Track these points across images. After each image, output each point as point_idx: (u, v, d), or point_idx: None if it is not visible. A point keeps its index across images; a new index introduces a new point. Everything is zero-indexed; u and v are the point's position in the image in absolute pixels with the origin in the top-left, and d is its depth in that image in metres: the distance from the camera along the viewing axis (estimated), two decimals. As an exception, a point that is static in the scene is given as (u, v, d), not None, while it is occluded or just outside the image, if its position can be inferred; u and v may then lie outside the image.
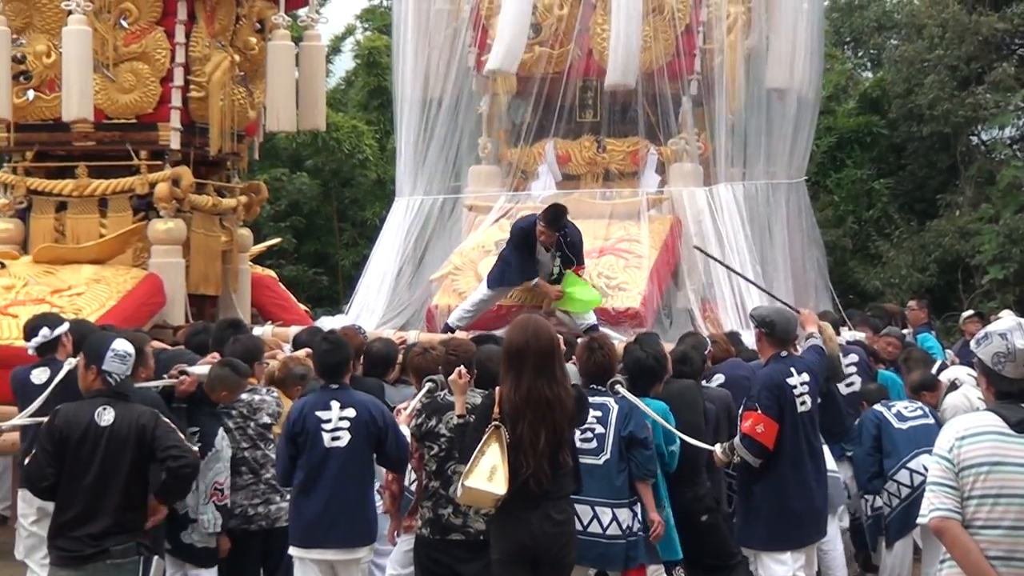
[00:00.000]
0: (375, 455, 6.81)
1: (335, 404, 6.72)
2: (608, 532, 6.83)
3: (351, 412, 6.71)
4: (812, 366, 7.41)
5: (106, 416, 6.04)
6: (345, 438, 6.66)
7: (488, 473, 5.84)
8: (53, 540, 6.14)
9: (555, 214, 10.57)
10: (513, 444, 5.83)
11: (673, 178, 12.59)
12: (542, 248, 10.67)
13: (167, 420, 6.19)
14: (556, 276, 10.73)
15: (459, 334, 9.73)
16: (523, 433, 5.82)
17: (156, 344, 8.89)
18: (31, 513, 7.60)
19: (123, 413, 6.05)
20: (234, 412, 7.24)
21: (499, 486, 5.82)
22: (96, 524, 5.97)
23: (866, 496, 9.04)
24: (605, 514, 6.84)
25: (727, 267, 11.01)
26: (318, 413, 6.70)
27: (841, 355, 9.57)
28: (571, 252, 10.68)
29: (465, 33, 13.16)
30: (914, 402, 9.08)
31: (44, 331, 7.69)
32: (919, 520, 4.58)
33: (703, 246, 11.66)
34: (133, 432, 6.01)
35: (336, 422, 6.67)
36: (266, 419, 7.35)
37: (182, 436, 6.25)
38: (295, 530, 6.77)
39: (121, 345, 6.18)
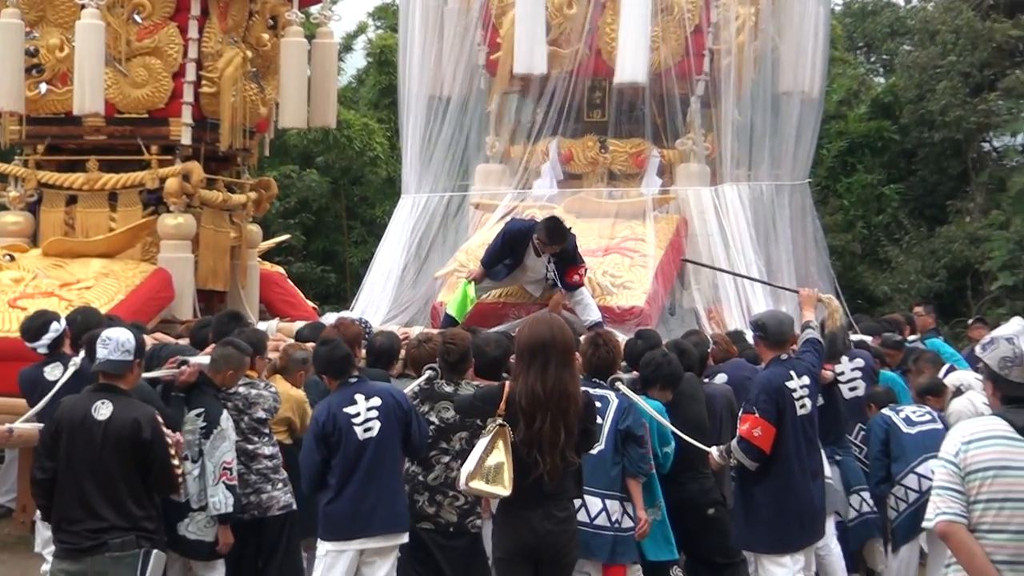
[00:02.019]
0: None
1: (359, 397, 6.74)
2: (595, 522, 6.85)
3: (377, 401, 6.73)
4: (812, 368, 7.42)
5: (104, 410, 6.02)
6: (376, 427, 6.68)
7: (493, 473, 5.83)
8: (55, 533, 6.16)
9: (553, 231, 10.48)
10: (529, 439, 5.79)
11: (679, 178, 12.60)
12: (533, 254, 10.66)
13: (162, 426, 6.10)
14: (552, 282, 10.72)
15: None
16: (544, 428, 5.78)
17: (161, 338, 8.93)
18: None
19: (121, 409, 6.03)
20: (229, 404, 7.22)
21: (502, 488, 5.83)
22: (94, 517, 5.96)
23: (851, 500, 9.03)
24: (594, 504, 6.85)
25: (718, 269, 11.05)
26: (346, 409, 6.70)
27: (847, 358, 9.62)
28: (567, 258, 10.63)
29: (474, 31, 13.16)
30: (922, 407, 9.06)
31: (55, 326, 7.74)
32: (924, 524, 4.57)
33: (708, 246, 11.69)
34: (128, 428, 5.98)
35: (365, 414, 6.69)
36: (261, 414, 7.33)
37: (172, 454, 6.14)
38: (331, 525, 6.73)
39: (112, 331, 6.18)
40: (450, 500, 7.01)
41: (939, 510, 4.44)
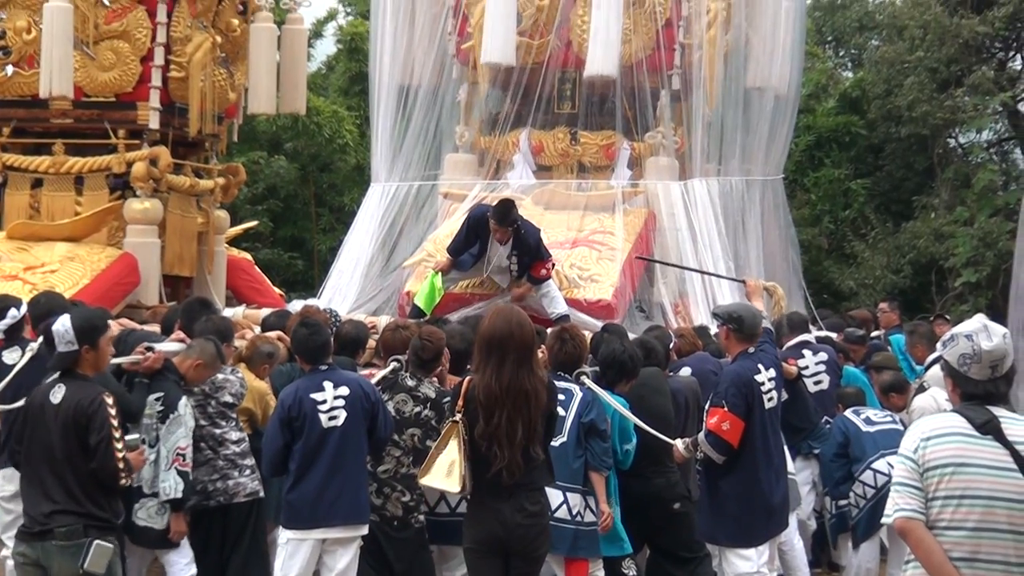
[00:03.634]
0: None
1: (328, 384, 6.76)
2: (556, 514, 6.81)
3: (344, 391, 6.75)
4: (776, 360, 7.46)
5: (58, 393, 5.99)
6: (341, 416, 6.70)
7: (446, 470, 5.82)
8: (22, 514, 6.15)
9: (502, 210, 10.55)
10: (487, 434, 5.76)
11: (649, 172, 12.61)
12: (496, 244, 10.68)
13: (109, 408, 5.98)
14: (517, 274, 10.74)
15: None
16: (500, 423, 5.74)
17: (126, 323, 8.89)
18: (10, 489, 7.56)
19: (71, 392, 5.98)
20: (195, 389, 7.19)
21: (454, 483, 5.81)
22: (47, 502, 5.91)
23: (829, 495, 9.12)
24: (555, 496, 6.81)
25: (671, 265, 11.11)
26: (312, 395, 6.72)
27: (811, 352, 9.70)
28: (528, 250, 10.66)
29: (445, 20, 13.14)
30: (884, 410, 9.14)
31: (12, 312, 7.69)
32: (883, 520, 4.59)
33: (677, 240, 11.72)
34: (73, 409, 5.92)
35: (332, 402, 6.71)
36: (228, 398, 7.31)
37: (116, 433, 6.02)
38: (292, 513, 6.75)
39: (56, 323, 6.10)
40: (397, 495, 7.06)
41: (897, 506, 4.45)
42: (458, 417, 5.84)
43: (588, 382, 7.23)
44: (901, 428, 8.78)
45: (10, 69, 10.91)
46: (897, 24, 21.34)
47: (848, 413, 9.05)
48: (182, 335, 7.57)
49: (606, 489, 7.23)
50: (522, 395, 5.77)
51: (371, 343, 8.65)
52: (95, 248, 10.69)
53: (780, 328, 9.28)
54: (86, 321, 6.17)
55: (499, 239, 10.66)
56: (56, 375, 6.10)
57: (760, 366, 7.27)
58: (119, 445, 5.97)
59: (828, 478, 9.09)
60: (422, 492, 7.07)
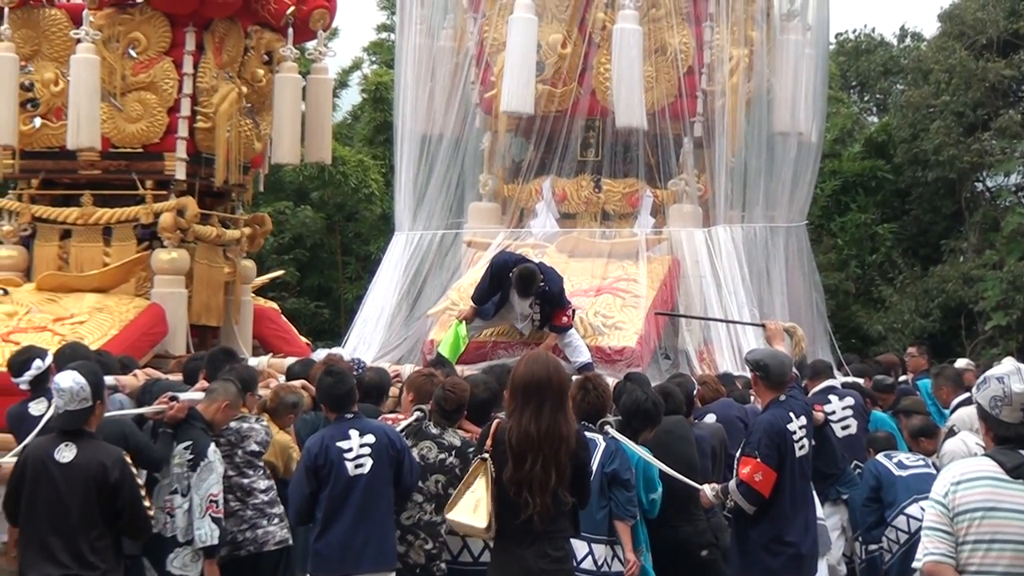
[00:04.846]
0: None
1: (354, 433, 6.77)
2: (582, 566, 6.78)
3: (371, 438, 6.76)
4: (806, 407, 7.42)
5: (67, 453, 5.96)
6: (368, 464, 6.71)
7: (472, 506, 5.80)
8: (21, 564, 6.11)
9: (525, 283, 10.51)
10: (517, 480, 5.69)
11: (672, 219, 12.60)
12: (516, 292, 10.67)
13: (132, 467, 6.02)
14: (539, 323, 10.73)
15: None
16: (534, 469, 5.66)
17: (151, 372, 8.91)
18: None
19: (87, 453, 5.95)
20: (222, 440, 7.20)
21: (481, 519, 5.77)
22: (54, 564, 5.87)
23: (859, 539, 9.05)
24: (580, 547, 6.78)
25: (690, 317, 11.07)
26: (339, 444, 6.73)
27: (837, 397, 9.66)
28: (551, 299, 10.63)
29: (468, 69, 13.20)
30: (916, 454, 9.08)
31: (37, 363, 7.69)
32: (914, 564, 4.58)
33: (700, 287, 11.70)
34: (94, 471, 5.89)
35: (358, 450, 6.72)
36: (254, 447, 7.32)
37: (142, 491, 6.08)
38: (320, 561, 6.75)
39: (62, 379, 6.09)
40: (420, 542, 7.04)
41: (927, 551, 4.44)
42: (486, 455, 5.82)
43: (612, 431, 7.20)
44: (934, 472, 8.72)
45: (38, 121, 11.03)
46: (922, 68, 21.37)
47: (880, 457, 8.99)
48: (207, 384, 7.58)
49: (635, 538, 7.19)
50: (559, 440, 5.73)
51: (393, 391, 8.65)
52: (123, 299, 10.75)
53: (802, 370, 9.23)
54: (95, 375, 6.18)
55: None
56: (57, 432, 6.05)
57: (791, 414, 7.22)
58: (147, 502, 6.05)
59: (860, 523, 9.02)
60: (444, 540, 7.06)
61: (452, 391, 7.27)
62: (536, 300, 10.63)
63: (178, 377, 8.69)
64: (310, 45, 12.85)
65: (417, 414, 7.24)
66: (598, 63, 12.77)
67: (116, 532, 5.98)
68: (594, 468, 6.97)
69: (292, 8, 11.51)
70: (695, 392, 8.91)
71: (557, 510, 5.78)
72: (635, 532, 7.24)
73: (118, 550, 6.05)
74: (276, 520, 7.30)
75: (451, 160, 13.28)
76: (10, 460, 7.03)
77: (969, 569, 4.39)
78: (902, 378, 12.42)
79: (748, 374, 8.00)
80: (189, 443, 6.99)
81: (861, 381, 11.04)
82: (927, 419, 9.66)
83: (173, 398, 7.12)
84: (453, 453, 7.12)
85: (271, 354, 11.43)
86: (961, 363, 11.00)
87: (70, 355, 7.87)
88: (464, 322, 10.79)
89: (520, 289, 10.53)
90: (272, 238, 18.78)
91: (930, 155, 19.87)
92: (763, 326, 8.25)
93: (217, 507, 6.91)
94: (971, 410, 9.59)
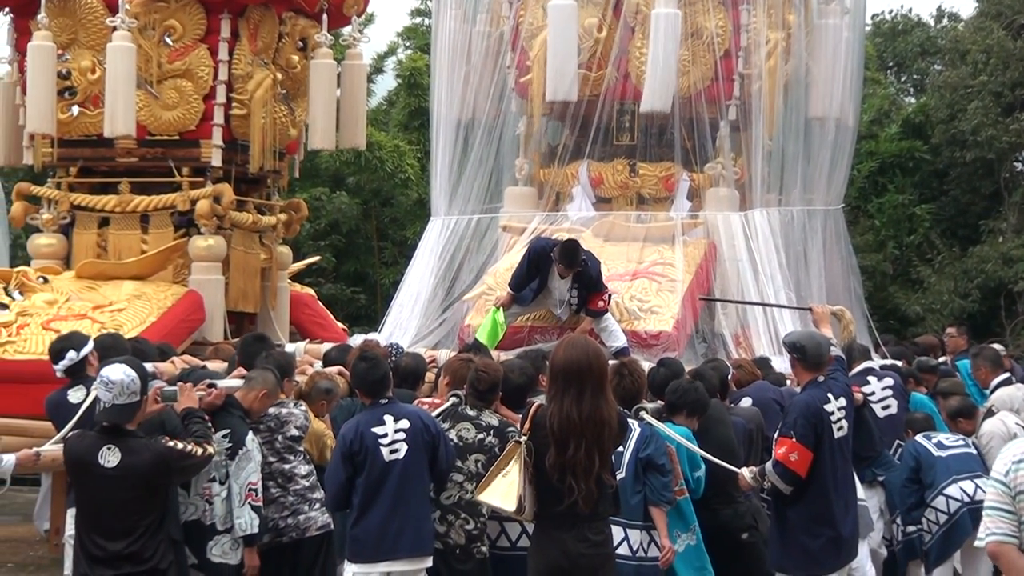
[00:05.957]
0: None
1: (388, 418, 6.78)
2: (618, 551, 6.72)
3: (405, 423, 6.77)
4: (847, 388, 7.40)
5: (111, 457, 6.05)
6: (403, 450, 6.72)
7: (504, 489, 5.82)
8: (76, 566, 6.22)
9: (569, 253, 10.49)
10: (560, 465, 5.71)
11: (709, 203, 12.52)
12: (557, 277, 10.65)
13: (170, 444, 6.19)
14: (577, 307, 10.71)
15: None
16: (578, 455, 5.69)
17: (189, 360, 8.96)
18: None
19: (132, 456, 6.05)
20: (261, 426, 7.21)
21: (511, 502, 5.79)
22: (104, 565, 5.99)
23: (897, 521, 9.02)
24: (616, 533, 6.68)
25: (734, 301, 11.03)
26: (374, 429, 6.75)
27: (876, 378, 9.62)
28: (589, 283, 10.61)
29: (504, 54, 13.18)
30: (955, 433, 9.04)
31: (71, 354, 7.70)
32: (976, 543, 4.55)
33: (737, 271, 11.66)
34: (141, 471, 6.02)
35: (393, 435, 6.74)
36: (294, 431, 7.32)
37: (189, 451, 6.25)
38: (357, 547, 6.77)
39: (112, 372, 6.14)
40: (461, 522, 7.02)
41: (989, 530, 4.42)
42: (523, 439, 5.83)
43: (647, 416, 7.19)
44: (974, 452, 8.71)
45: (76, 109, 11.11)
46: (960, 48, 21.18)
47: (919, 438, 8.97)
48: (243, 371, 7.60)
49: (683, 518, 7.19)
50: (601, 425, 5.75)
51: (429, 376, 8.66)
52: (161, 286, 10.82)
53: (850, 353, 9.21)
54: (143, 368, 6.27)
55: (561, 273, 10.64)
56: (99, 432, 6.14)
57: (829, 395, 7.21)
58: (189, 448, 6.24)
59: (899, 504, 8.99)
60: (485, 520, 7.06)
61: (485, 372, 7.26)
62: (575, 285, 10.61)
63: (216, 364, 8.72)
64: (345, 31, 12.88)
65: (453, 399, 7.25)
66: (634, 47, 12.71)
67: (163, 522, 6.08)
68: (628, 454, 6.99)
69: (327, -6, 11.54)
70: (730, 376, 8.90)
71: (601, 494, 5.81)
72: (683, 510, 7.24)
73: (165, 534, 6.12)
74: (317, 505, 7.30)
75: (487, 145, 13.23)
76: (49, 448, 7.13)
77: (1033, 547, 4.36)
78: (941, 359, 12.37)
79: (786, 358, 7.99)
80: (227, 431, 7.00)
81: (899, 363, 10.98)
82: (965, 399, 9.61)
83: (211, 385, 7.14)
84: (492, 432, 7.11)
85: (308, 340, 11.46)
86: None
87: (110, 344, 7.93)
88: (501, 309, 10.79)
89: (564, 261, 10.47)
90: (308, 224, 18.80)
91: (968, 135, 19.71)
92: (810, 309, 8.24)
93: (256, 495, 6.92)
94: (1011, 390, 9.62)
